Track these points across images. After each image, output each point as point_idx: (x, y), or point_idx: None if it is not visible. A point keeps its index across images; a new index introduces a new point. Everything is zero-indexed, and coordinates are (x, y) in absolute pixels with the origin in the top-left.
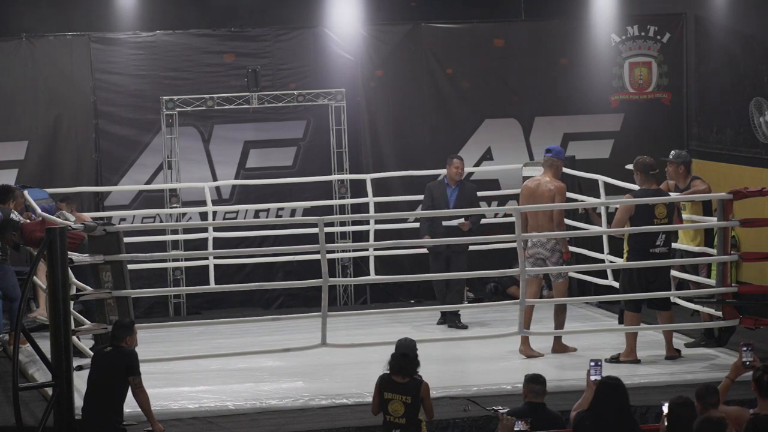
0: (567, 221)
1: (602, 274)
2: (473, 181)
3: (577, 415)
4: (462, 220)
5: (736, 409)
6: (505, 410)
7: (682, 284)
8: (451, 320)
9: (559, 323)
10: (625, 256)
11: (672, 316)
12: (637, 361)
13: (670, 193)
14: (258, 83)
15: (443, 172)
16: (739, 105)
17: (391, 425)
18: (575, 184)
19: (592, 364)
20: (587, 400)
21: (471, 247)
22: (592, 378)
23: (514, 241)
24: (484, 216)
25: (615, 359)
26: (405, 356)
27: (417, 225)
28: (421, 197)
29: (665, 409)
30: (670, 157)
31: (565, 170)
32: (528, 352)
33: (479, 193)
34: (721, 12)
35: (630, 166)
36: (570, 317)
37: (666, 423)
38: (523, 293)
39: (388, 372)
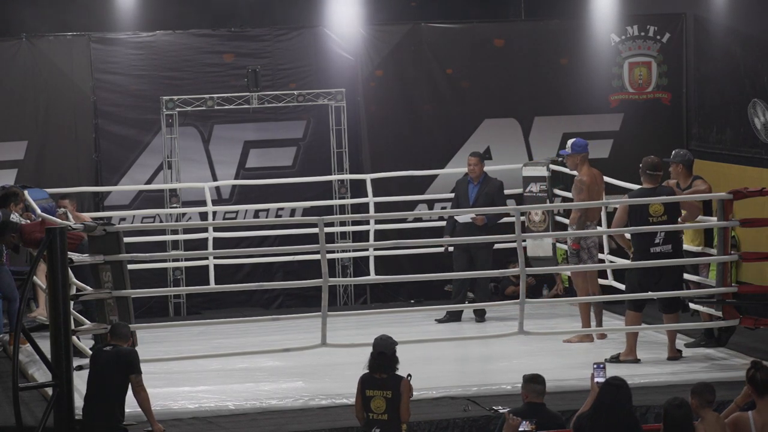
0: (566, 221)
1: (602, 274)
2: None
3: (577, 417)
4: (475, 215)
5: (736, 415)
6: (505, 410)
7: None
8: (480, 316)
9: (597, 315)
10: (630, 256)
11: (676, 319)
12: (637, 361)
13: None
14: (258, 83)
15: (442, 171)
16: (739, 105)
17: (373, 422)
18: None
19: (596, 366)
20: (590, 404)
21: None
22: (597, 380)
23: (514, 241)
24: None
25: (615, 359)
26: (382, 354)
27: (417, 225)
28: (420, 197)
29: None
30: (671, 156)
31: (565, 170)
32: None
33: None
34: (721, 12)
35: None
36: (570, 317)
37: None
38: (523, 293)
39: (368, 371)
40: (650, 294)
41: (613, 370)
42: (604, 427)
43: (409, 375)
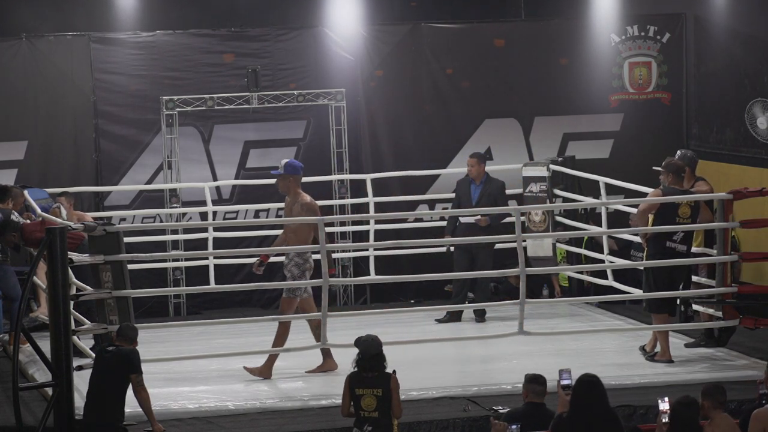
0: (566, 221)
1: (602, 274)
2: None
3: (556, 418)
4: (479, 216)
5: (759, 410)
6: (506, 410)
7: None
8: (480, 316)
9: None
10: (644, 255)
11: (665, 320)
12: (671, 362)
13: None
14: (258, 83)
15: (443, 172)
16: (739, 105)
17: (365, 420)
18: (575, 184)
19: (561, 371)
20: (561, 407)
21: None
22: (563, 383)
23: (514, 241)
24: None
25: (651, 357)
26: (369, 354)
27: (418, 225)
28: (421, 197)
29: (663, 405)
30: (675, 157)
31: (565, 170)
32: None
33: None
34: (721, 12)
35: (658, 168)
36: (570, 317)
37: (664, 420)
38: (523, 293)
39: (355, 370)
40: (647, 294)
41: (612, 370)
42: (584, 425)
43: (394, 371)
